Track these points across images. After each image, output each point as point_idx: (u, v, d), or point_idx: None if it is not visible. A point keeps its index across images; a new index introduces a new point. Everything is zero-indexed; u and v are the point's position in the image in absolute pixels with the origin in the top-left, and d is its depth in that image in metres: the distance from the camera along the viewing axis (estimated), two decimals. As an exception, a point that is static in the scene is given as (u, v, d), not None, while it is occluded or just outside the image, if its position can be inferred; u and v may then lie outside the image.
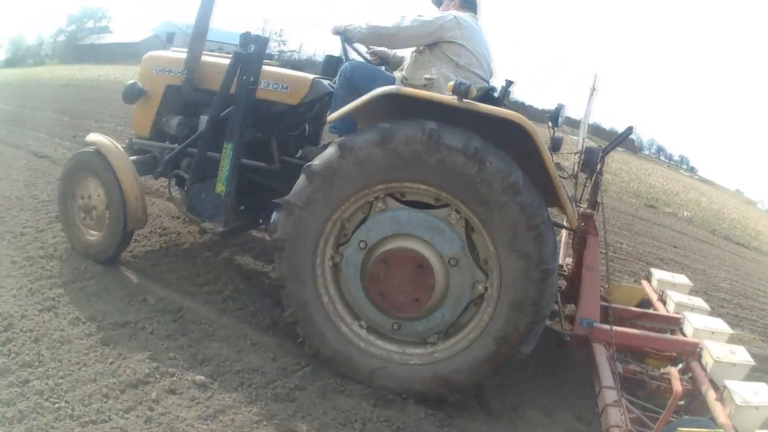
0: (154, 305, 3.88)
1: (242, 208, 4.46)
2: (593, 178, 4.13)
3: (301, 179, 3.26)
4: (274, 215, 3.55)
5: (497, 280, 3.07)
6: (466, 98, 2.97)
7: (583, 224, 3.94)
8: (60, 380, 2.92)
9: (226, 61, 4.13)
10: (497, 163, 2.92)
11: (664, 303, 4.06)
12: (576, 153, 4.06)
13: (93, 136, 4.43)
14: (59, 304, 3.70)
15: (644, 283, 4.58)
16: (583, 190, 4.01)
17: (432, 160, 2.98)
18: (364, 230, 3.25)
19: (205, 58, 4.52)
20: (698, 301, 4.00)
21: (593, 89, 4.07)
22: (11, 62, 57.84)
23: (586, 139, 4.49)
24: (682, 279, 4.42)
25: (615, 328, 3.34)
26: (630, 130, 4.39)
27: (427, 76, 3.64)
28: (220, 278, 4.49)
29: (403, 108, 3.17)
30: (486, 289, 3.16)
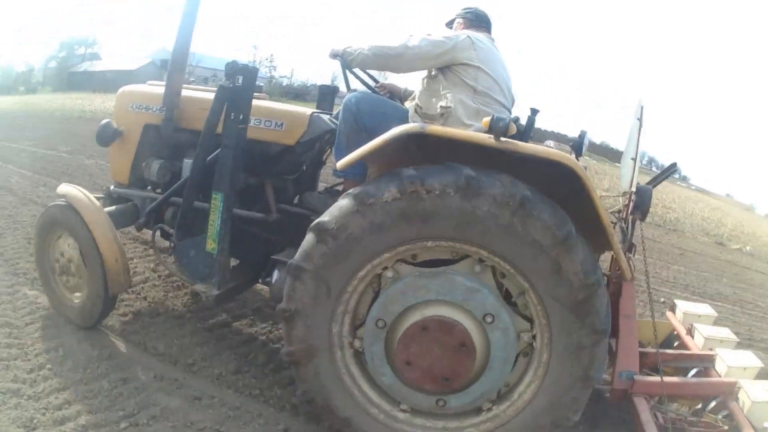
0: (147, 382, 3.20)
1: (237, 263, 3.74)
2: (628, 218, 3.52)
3: (309, 239, 2.59)
4: (276, 274, 3.14)
5: (546, 330, 2.55)
6: (505, 136, 2.42)
7: (618, 269, 3.32)
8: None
9: (211, 96, 3.43)
10: (546, 216, 2.37)
11: (692, 336, 3.81)
12: (625, 194, 3.42)
13: (64, 188, 3.72)
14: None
15: (669, 315, 4.22)
16: (631, 235, 3.36)
17: (470, 214, 2.39)
18: (379, 307, 2.64)
19: (187, 93, 3.81)
20: (726, 333, 3.78)
21: (639, 121, 3.39)
22: (2, 90, 56.76)
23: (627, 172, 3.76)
24: (706, 309, 4.13)
25: (656, 378, 3.07)
26: (674, 166, 3.99)
27: (443, 104, 3.09)
28: (222, 344, 3.77)
29: (422, 145, 2.61)
30: (534, 337, 2.63)
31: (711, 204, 30.51)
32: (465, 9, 3.54)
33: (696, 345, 3.67)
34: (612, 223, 2.75)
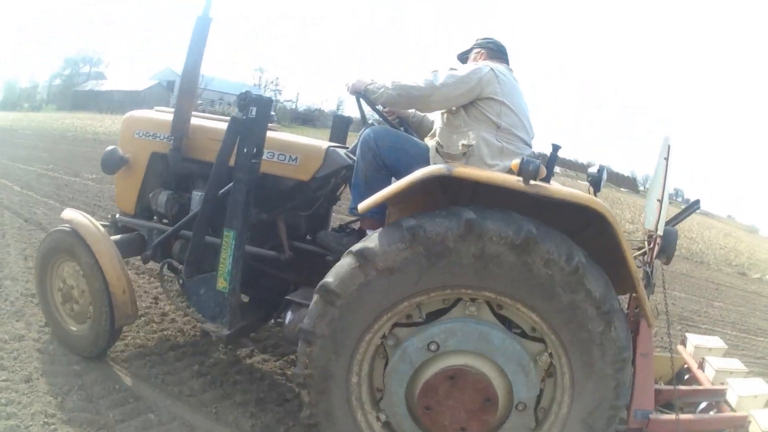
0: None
1: (247, 300, 3.53)
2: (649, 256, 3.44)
3: (317, 301, 2.47)
4: (290, 314, 2.97)
5: (560, 347, 2.46)
6: (534, 180, 2.33)
7: (636, 308, 3.22)
8: None
9: (222, 126, 3.23)
10: (596, 285, 2.31)
11: (703, 369, 3.81)
12: (650, 236, 3.29)
13: (69, 213, 3.54)
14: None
15: (680, 348, 4.20)
16: (653, 277, 3.23)
17: (526, 270, 2.30)
18: (442, 331, 2.46)
19: (196, 121, 3.60)
20: (737, 364, 3.79)
21: (666, 161, 3.24)
22: (5, 105, 56.55)
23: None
24: (716, 342, 4.15)
25: (671, 416, 3.02)
26: (697, 203, 3.87)
27: (465, 142, 2.96)
28: (232, 383, 3.52)
29: (445, 185, 2.52)
30: (551, 355, 2.53)
31: (718, 228, 30.50)
32: (484, 39, 3.38)
33: (707, 378, 3.64)
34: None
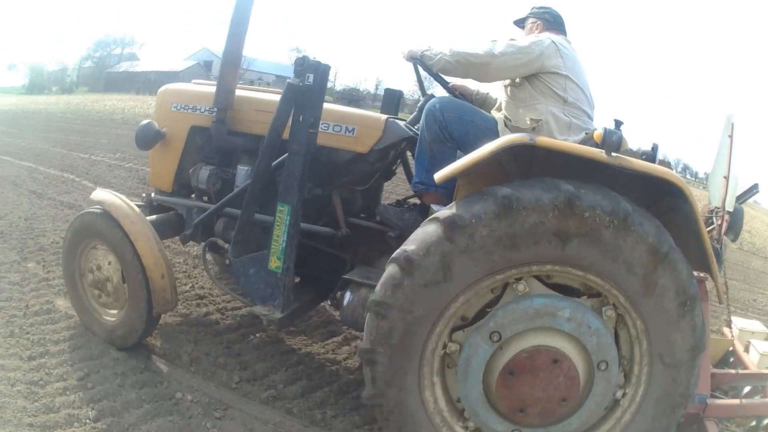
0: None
1: (299, 281, 3.25)
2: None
3: (393, 271, 2.21)
4: (348, 295, 2.79)
5: (642, 385, 2.38)
6: (616, 152, 2.19)
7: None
8: None
9: (270, 97, 2.96)
10: (679, 264, 2.19)
11: (748, 352, 3.76)
12: (718, 213, 3.19)
13: (100, 194, 3.25)
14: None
15: (726, 331, 4.16)
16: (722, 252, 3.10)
17: (611, 246, 2.14)
18: (499, 318, 2.28)
19: (242, 92, 3.31)
20: None
21: (731, 138, 3.14)
22: (32, 88, 56.53)
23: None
24: (758, 326, 4.10)
25: (727, 401, 3.02)
26: (756, 187, 3.74)
27: (533, 117, 2.79)
28: (275, 368, 3.27)
29: (517, 158, 2.37)
30: (624, 395, 2.44)
31: (749, 214, 29.14)
32: (540, 8, 3.15)
33: (752, 362, 3.62)
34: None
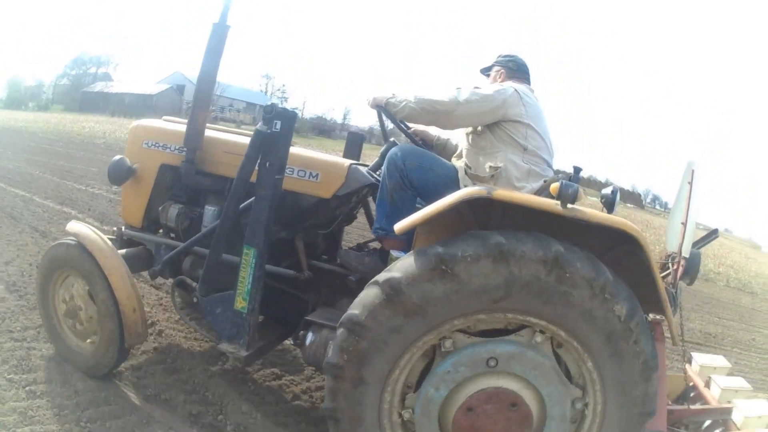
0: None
1: (263, 319, 3.27)
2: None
3: (342, 335, 2.28)
4: (310, 335, 2.79)
5: (599, 394, 2.39)
6: (572, 204, 2.23)
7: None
8: None
9: (238, 139, 3.00)
10: (624, 302, 2.22)
11: (709, 388, 3.78)
12: (674, 258, 3.26)
13: (74, 226, 3.25)
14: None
15: (687, 367, 4.17)
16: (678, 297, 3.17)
17: (555, 290, 2.19)
18: (509, 350, 2.32)
19: (211, 133, 3.35)
20: (741, 382, 3.75)
21: (690, 185, 3.22)
22: (10, 103, 55.53)
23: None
24: (721, 361, 4.15)
25: None
26: (716, 232, 3.97)
27: (492, 164, 2.84)
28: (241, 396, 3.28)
29: (473, 207, 2.38)
30: (586, 404, 2.44)
31: (726, 246, 29.81)
32: (505, 56, 3.24)
33: (713, 396, 3.64)
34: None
